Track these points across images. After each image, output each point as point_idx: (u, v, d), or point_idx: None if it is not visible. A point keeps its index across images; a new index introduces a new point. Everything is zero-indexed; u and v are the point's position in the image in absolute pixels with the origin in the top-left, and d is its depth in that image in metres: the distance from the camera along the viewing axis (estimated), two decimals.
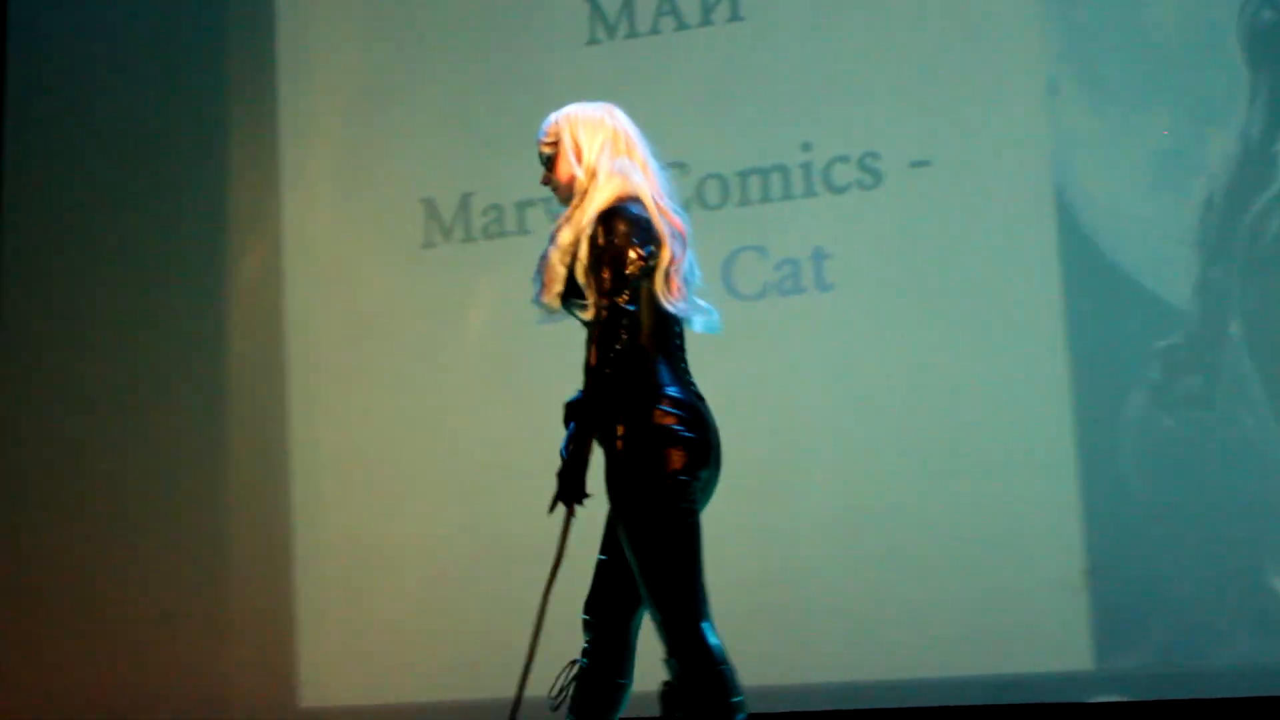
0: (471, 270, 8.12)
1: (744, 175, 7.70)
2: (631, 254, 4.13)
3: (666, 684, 4.26)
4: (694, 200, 7.72)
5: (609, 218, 4.22)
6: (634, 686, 4.57)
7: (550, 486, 7.27)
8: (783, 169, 7.62)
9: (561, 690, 4.32)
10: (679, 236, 4.42)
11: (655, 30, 7.96)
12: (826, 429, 7.43)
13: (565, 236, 4.30)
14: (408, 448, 8.08)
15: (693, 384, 4.43)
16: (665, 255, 4.29)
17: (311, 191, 8.51)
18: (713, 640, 4.24)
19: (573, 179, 4.41)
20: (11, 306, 9.16)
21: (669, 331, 4.38)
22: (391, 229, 8.28)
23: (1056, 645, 6.99)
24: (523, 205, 8.00)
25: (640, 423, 4.18)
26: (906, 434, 7.30)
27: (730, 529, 7.44)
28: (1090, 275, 7.12)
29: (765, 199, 7.66)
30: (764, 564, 7.38)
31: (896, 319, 7.38)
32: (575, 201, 4.38)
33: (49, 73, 9.34)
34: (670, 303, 4.27)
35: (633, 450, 4.19)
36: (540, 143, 4.54)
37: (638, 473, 4.18)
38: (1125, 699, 6.92)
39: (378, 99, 8.45)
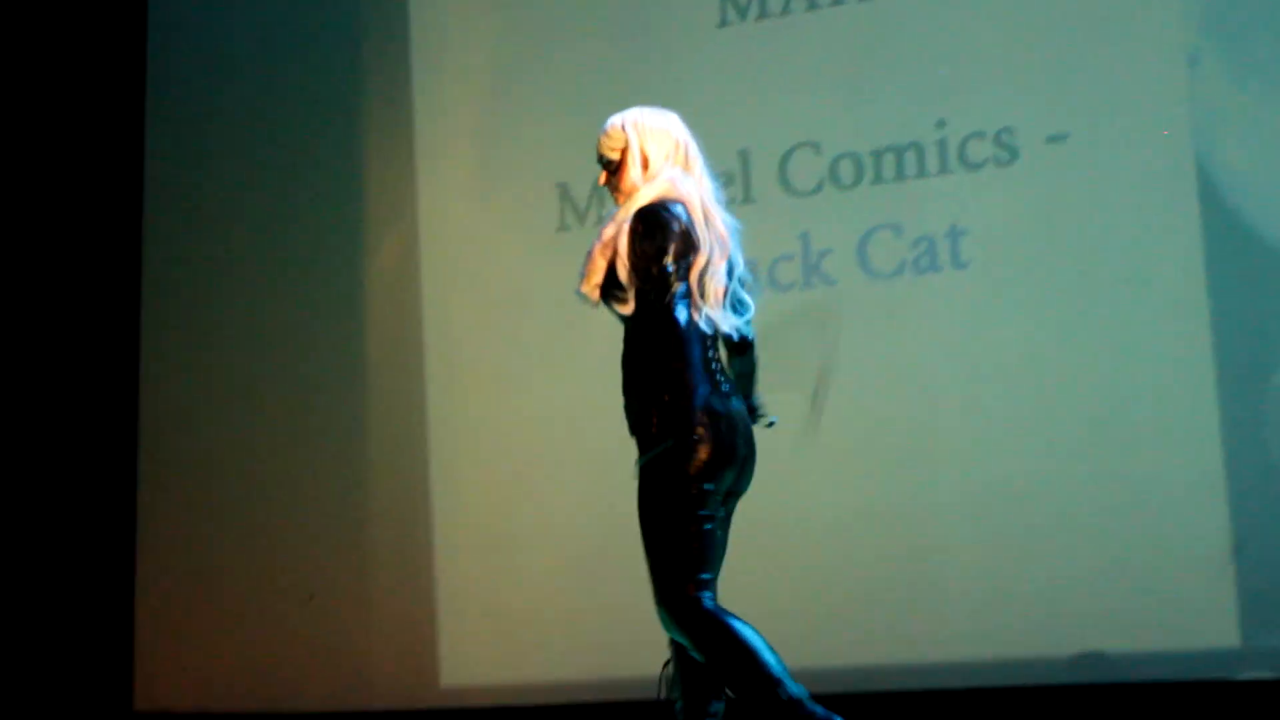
0: None
1: (878, 154, 7.66)
2: (669, 252, 4.27)
3: (667, 663, 4.33)
4: (828, 180, 7.71)
5: (648, 217, 4.28)
6: None
7: None
8: (917, 146, 7.58)
9: (667, 687, 4.39)
10: (720, 244, 4.46)
11: (787, 10, 7.94)
12: (963, 406, 7.38)
13: (608, 231, 4.43)
14: (544, 430, 8.14)
15: (723, 384, 4.42)
16: (700, 260, 4.37)
17: (447, 178, 8.59)
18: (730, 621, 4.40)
19: (634, 186, 4.51)
20: (155, 299, 9.34)
21: (699, 333, 4.40)
22: (526, 213, 8.33)
23: (1202, 621, 6.90)
24: None
25: (666, 422, 4.19)
26: (1046, 411, 7.23)
27: (867, 506, 7.46)
28: (1233, 248, 7.01)
29: (900, 177, 7.62)
30: (901, 541, 7.36)
31: (1034, 295, 7.31)
32: (626, 202, 4.45)
33: (187, 68, 9.50)
34: (698, 307, 4.28)
35: (658, 443, 4.21)
36: (604, 145, 4.63)
37: (659, 468, 4.18)
38: (1274, 676, 6.82)
39: (511, 85, 8.51)
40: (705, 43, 8.08)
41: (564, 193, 8.26)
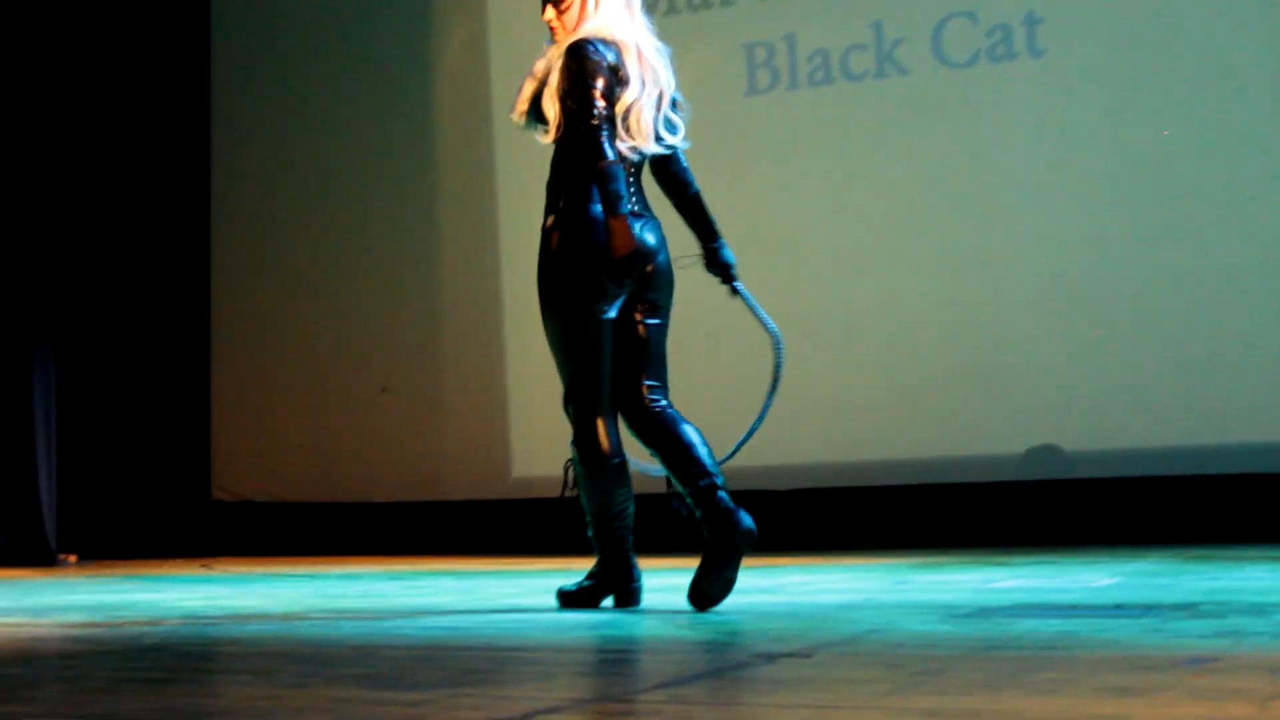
0: (676, 44, 8.03)
1: None
2: (595, 87, 4.29)
3: (568, 461, 4.43)
4: None
5: (578, 53, 4.32)
6: None
7: (758, 260, 7.27)
8: None
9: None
10: (652, 78, 4.54)
11: None
12: (1039, 198, 7.28)
13: (539, 65, 4.44)
14: None
15: (639, 211, 4.39)
16: (628, 96, 4.39)
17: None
18: (607, 433, 4.39)
19: (574, 25, 4.48)
20: (224, 99, 9.33)
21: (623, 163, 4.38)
22: None
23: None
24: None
25: (570, 231, 4.24)
26: (1124, 202, 7.12)
27: (940, 300, 7.42)
28: None
29: None
30: (973, 337, 7.32)
31: (1112, 84, 7.16)
32: (562, 39, 4.45)
33: None
34: (625, 140, 4.27)
35: (561, 254, 4.30)
36: None
37: (559, 273, 4.32)
38: None
39: None
40: None
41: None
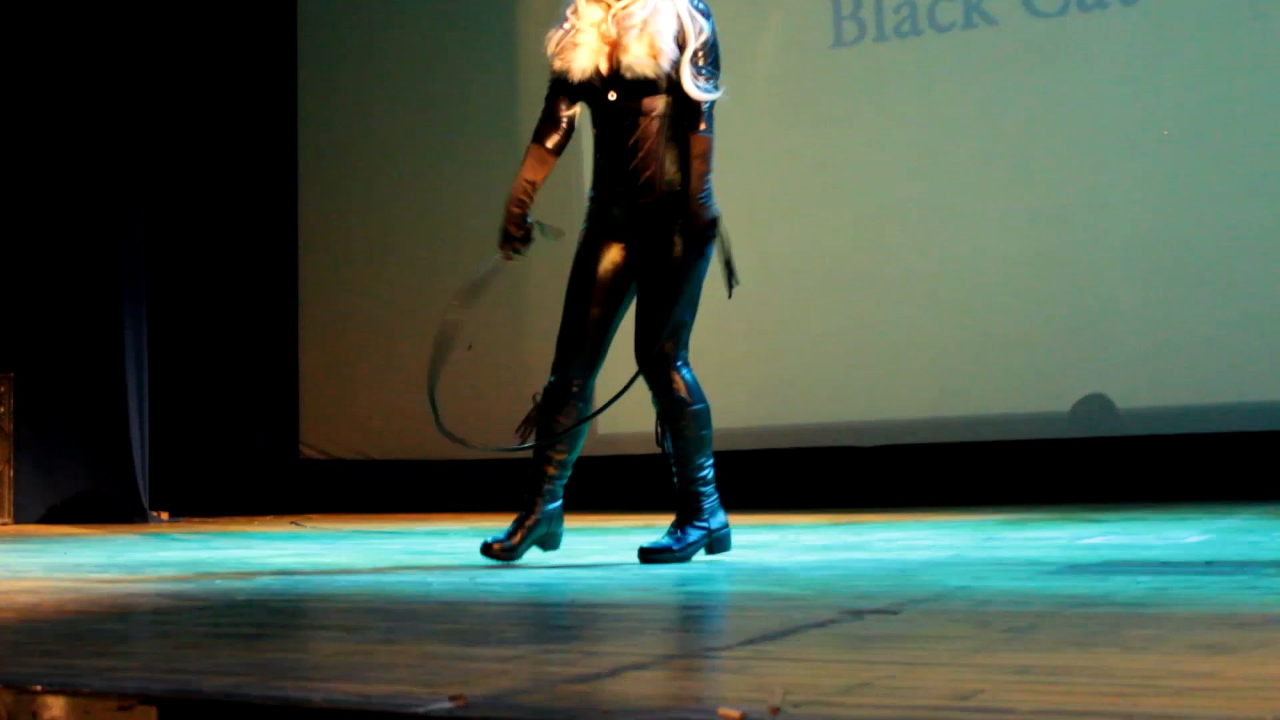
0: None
1: None
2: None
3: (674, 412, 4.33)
4: None
5: (708, 15, 4.30)
6: None
7: (847, 213, 7.24)
8: None
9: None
10: None
11: None
12: (1131, 150, 7.20)
13: (589, 18, 4.29)
14: None
15: None
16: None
17: None
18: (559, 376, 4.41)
19: None
20: (311, 61, 9.38)
21: None
22: None
23: None
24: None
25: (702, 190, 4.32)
26: (1214, 154, 7.03)
27: (1024, 250, 7.35)
28: None
29: None
30: (1059, 285, 7.26)
31: (1206, 33, 7.06)
32: None
33: None
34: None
35: (701, 213, 4.32)
36: None
37: (701, 231, 4.33)
38: None
39: None
40: None
41: None
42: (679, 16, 4.22)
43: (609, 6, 4.26)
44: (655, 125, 4.24)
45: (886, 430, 7.60)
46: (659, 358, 4.27)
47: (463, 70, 8.89)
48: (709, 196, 4.27)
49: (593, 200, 4.36)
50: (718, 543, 4.26)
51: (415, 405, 8.95)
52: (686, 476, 4.31)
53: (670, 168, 4.27)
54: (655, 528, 4.41)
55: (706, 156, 4.29)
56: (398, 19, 9.16)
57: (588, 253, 4.35)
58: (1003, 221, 7.40)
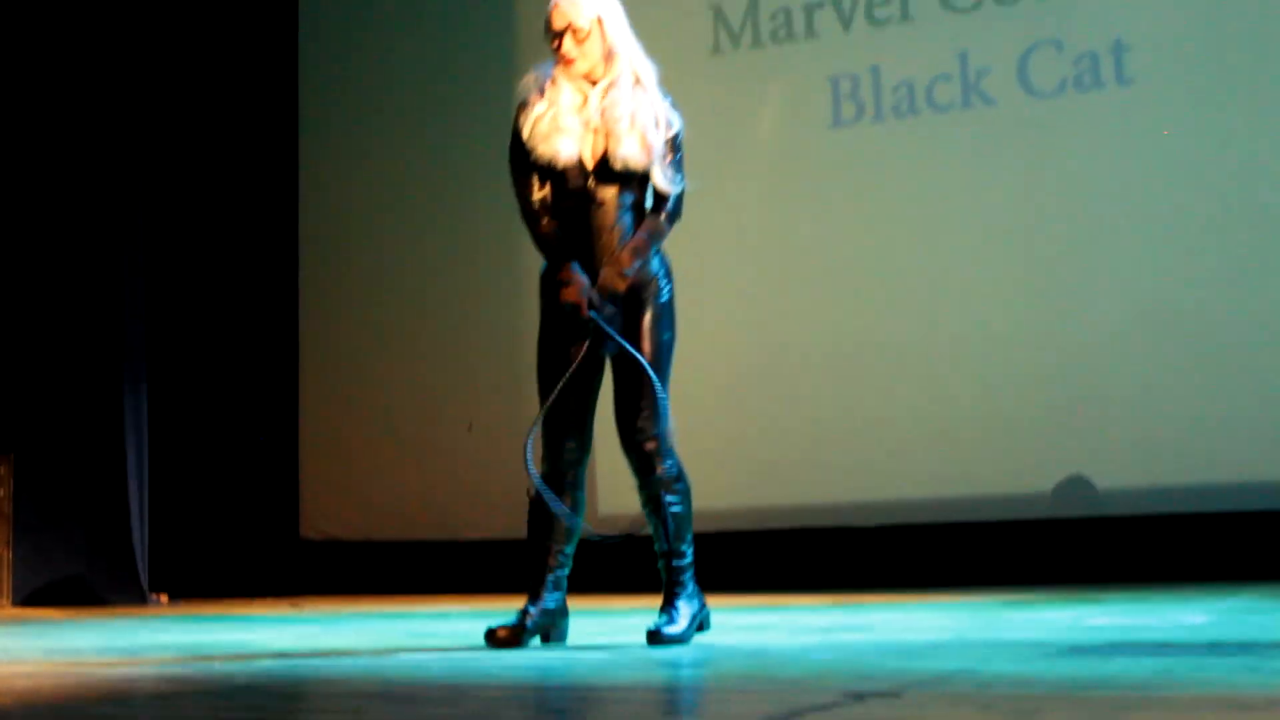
0: (761, 76, 8.06)
1: None
2: None
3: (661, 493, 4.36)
4: None
5: (677, 110, 4.39)
6: None
7: (846, 291, 7.26)
8: None
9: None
10: None
11: None
12: (1129, 228, 7.22)
13: (646, 108, 4.33)
14: (698, 258, 8.09)
15: None
16: None
17: None
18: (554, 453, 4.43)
19: (613, 53, 4.39)
20: (311, 121, 9.42)
21: None
22: (679, 35, 8.22)
23: None
24: (811, 7, 7.89)
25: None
26: (1215, 235, 7.05)
27: (1028, 327, 7.35)
28: None
29: None
30: (1058, 364, 7.26)
31: (1202, 113, 7.09)
32: (617, 73, 4.36)
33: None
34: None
35: (670, 284, 4.44)
36: (570, 10, 4.36)
37: (671, 304, 4.44)
38: None
39: None
40: None
41: (718, 14, 8.13)
42: (656, 111, 4.31)
43: (585, 92, 4.33)
44: (630, 215, 4.30)
45: (887, 510, 7.57)
46: (649, 439, 4.30)
47: (463, 137, 8.90)
48: (633, 272, 4.26)
49: (553, 276, 4.36)
50: (704, 622, 4.30)
51: (416, 485, 8.98)
52: (677, 554, 4.30)
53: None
54: (653, 609, 4.38)
55: (653, 237, 4.32)
56: (400, 73, 9.20)
57: (553, 336, 4.34)
58: (1002, 300, 7.41)
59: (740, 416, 7.94)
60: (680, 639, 4.13)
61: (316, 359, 9.32)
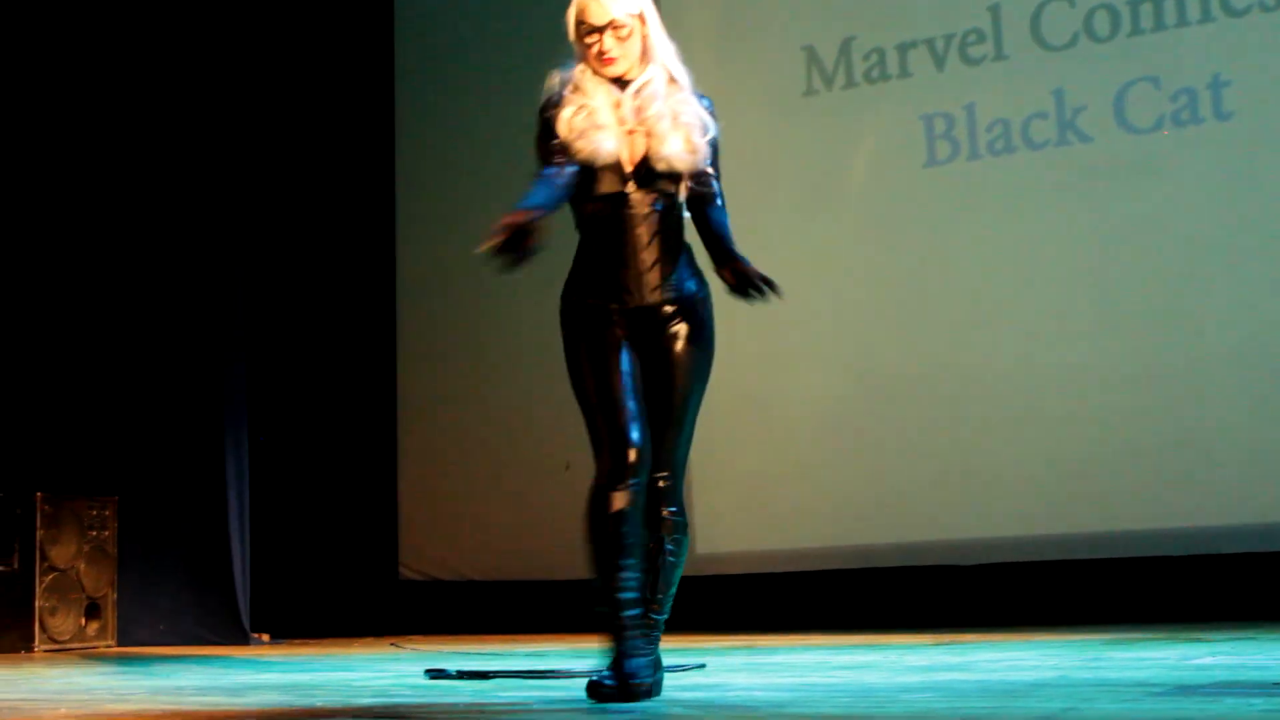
0: (855, 117, 8.05)
1: (1135, 3, 7.40)
2: None
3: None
4: (1083, 33, 7.48)
5: (715, 116, 4.16)
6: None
7: (943, 330, 7.21)
8: None
9: None
10: None
11: None
12: (1227, 264, 7.14)
13: (688, 108, 4.11)
14: (792, 297, 8.07)
15: None
16: None
17: (691, 45, 8.45)
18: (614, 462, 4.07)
19: (651, 56, 4.16)
20: (409, 180, 9.52)
21: None
22: (771, 77, 8.24)
23: None
24: (904, 47, 7.89)
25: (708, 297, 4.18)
26: None
27: (1125, 365, 7.28)
28: None
29: (1159, 26, 7.36)
30: (1159, 400, 7.18)
31: None
32: (660, 78, 4.14)
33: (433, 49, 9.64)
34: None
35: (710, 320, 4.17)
36: (612, 4, 4.12)
37: (710, 339, 4.17)
38: None
39: None
40: None
41: (811, 56, 8.14)
42: (698, 112, 4.10)
43: (615, 96, 4.10)
44: (665, 221, 4.07)
45: (987, 548, 7.52)
46: (673, 474, 4.10)
47: None
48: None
49: (580, 297, 4.19)
50: (657, 685, 3.88)
51: (513, 526, 9.00)
52: (657, 607, 4.04)
53: (685, 268, 4.11)
54: (755, 648, 4.37)
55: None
56: (494, 135, 9.27)
57: (601, 352, 4.12)
58: (1103, 338, 7.35)
59: (836, 455, 7.91)
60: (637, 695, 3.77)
61: (415, 402, 9.38)
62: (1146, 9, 7.37)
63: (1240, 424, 7.02)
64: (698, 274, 4.16)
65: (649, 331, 4.07)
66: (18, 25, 8.45)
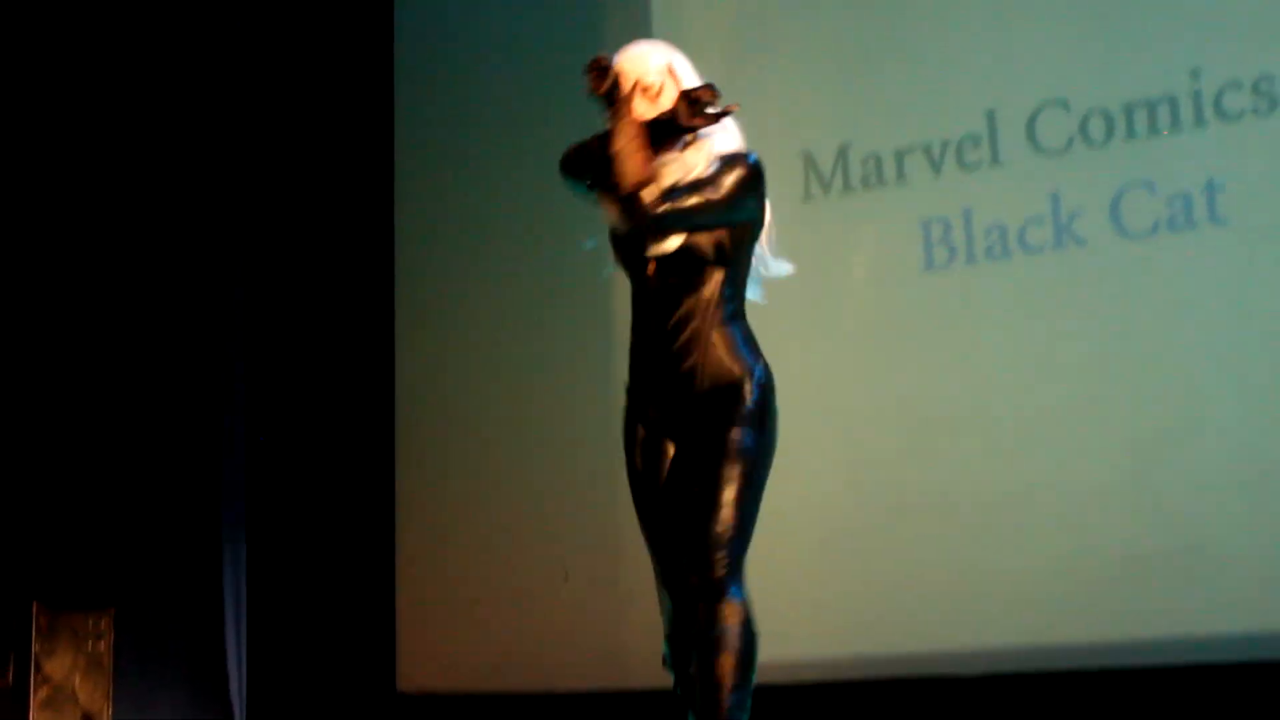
0: (853, 222, 8.08)
1: (1130, 108, 7.44)
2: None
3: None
4: (1078, 138, 7.52)
5: (757, 166, 4.16)
6: None
7: (940, 436, 7.17)
8: (1170, 99, 7.34)
9: None
10: None
11: None
12: (1226, 372, 7.12)
13: (704, 165, 4.07)
14: (792, 404, 8.05)
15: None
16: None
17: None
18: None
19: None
20: (408, 277, 9.52)
21: None
22: (770, 183, 8.25)
23: None
24: (901, 153, 7.92)
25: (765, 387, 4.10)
26: None
27: (1129, 471, 7.25)
28: None
29: (1153, 132, 7.39)
30: (1160, 514, 7.14)
31: None
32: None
33: (434, 44, 9.67)
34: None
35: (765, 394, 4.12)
36: (636, 62, 4.13)
37: (760, 416, 4.13)
38: None
39: (752, 53, 8.45)
40: (949, 1, 7.94)
41: (808, 161, 8.18)
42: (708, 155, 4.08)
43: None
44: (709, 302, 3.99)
45: (992, 657, 7.46)
46: (709, 581, 3.90)
47: (558, 295, 8.96)
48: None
49: (629, 392, 4.15)
50: None
51: (512, 636, 8.92)
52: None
53: (725, 355, 3.98)
54: None
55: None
56: (497, 217, 9.29)
57: (646, 460, 4.05)
58: (1098, 445, 7.31)
59: (832, 566, 7.86)
60: None
61: (413, 511, 9.33)
62: (1141, 114, 7.41)
63: (1243, 536, 6.96)
64: (755, 352, 4.05)
65: (686, 428, 4.00)
66: (15, 24, 8.39)
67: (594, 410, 8.72)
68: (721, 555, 3.95)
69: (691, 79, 4.06)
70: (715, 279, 3.93)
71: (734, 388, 4.02)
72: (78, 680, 7.90)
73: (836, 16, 8.24)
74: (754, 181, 3.90)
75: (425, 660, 9.16)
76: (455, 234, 9.46)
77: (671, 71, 4.09)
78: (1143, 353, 7.29)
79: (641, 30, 8.72)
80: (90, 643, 8.01)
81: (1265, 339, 7.04)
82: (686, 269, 3.90)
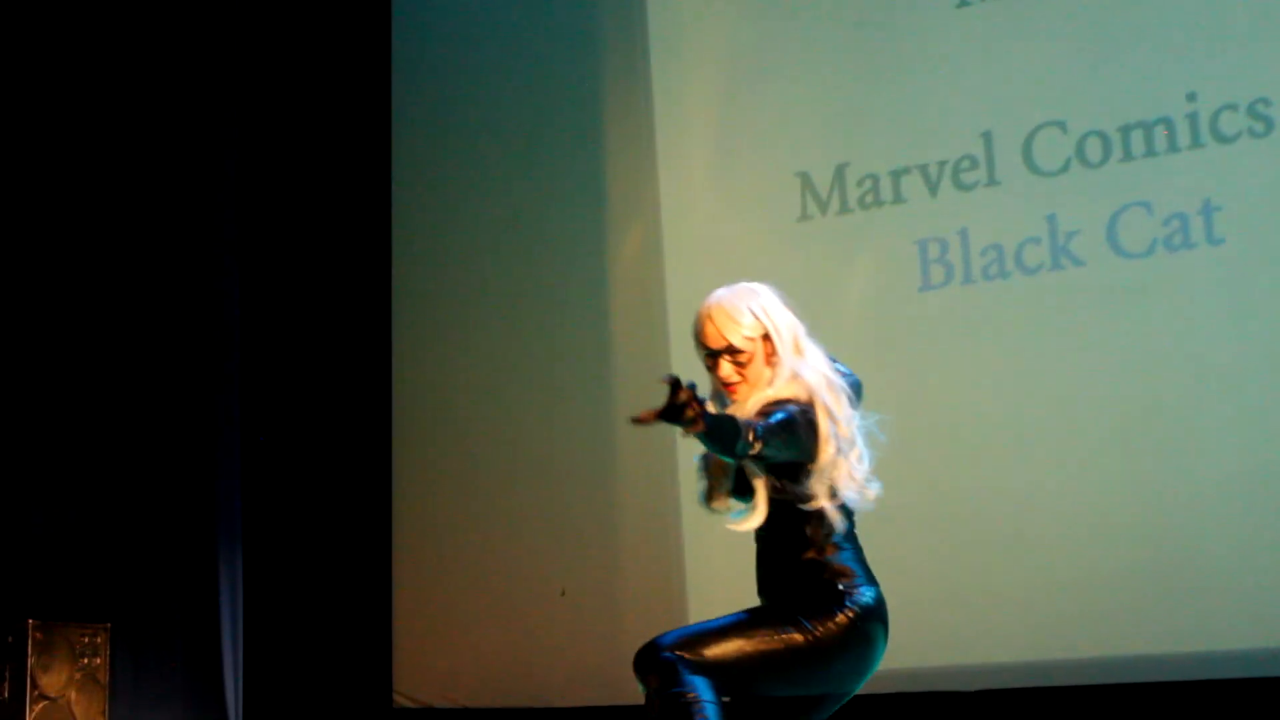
0: (849, 242, 8.09)
1: (1126, 130, 7.46)
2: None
3: None
4: (1075, 159, 7.53)
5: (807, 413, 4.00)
6: None
7: (937, 450, 7.18)
8: (1167, 121, 7.36)
9: None
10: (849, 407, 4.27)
11: None
12: (1223, 390, 7.14)
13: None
14: None
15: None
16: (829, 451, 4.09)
17: (687, 169, 8.58)
18: None
19: (761, 380, 4.05)
20: (405, 296, 9.52)
21: None
22: (768, 204, 8.29)
23: None
24: (898, 173, 7.94)
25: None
26: None
27: (1126, 489, 7.26)
28: None
29: (1150, 153, 7.41)
30: (1158, 529, 7.15)
31: None
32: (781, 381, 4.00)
33: (431, 65, 9.67)
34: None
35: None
36: (730, 330, 4.06)
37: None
38: None
39: (749, 75, 8.48)
40: (945, 23, 7.95)
41: (805, 182, 8.19)
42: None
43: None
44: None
45: (984, 674, 7.46)
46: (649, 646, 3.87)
47: (551, 321, 8.97)
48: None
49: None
50: None
51: (509, 652, 8.92)
52: None
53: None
54: None
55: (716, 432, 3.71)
56: (486, 283, 9.29)
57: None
58: (1096, 463, 7.33)
59: None
60: None
61: (409, 526, 9.33)
62: (1137, 135, 7.43)
63: (1240, 550, 6.98)
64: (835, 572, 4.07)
65: None
66: (14, 24, 8.37)
67: (591, 427, 8.74)
68: (688, 641, 4.02)
69: (788, 340, 4.12)
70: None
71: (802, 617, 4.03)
72: (74, 695, 7.88)
73: (834, 38, 8.26)
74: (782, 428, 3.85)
75: (421, 675, 9.15)
76: (453, 242, 9.46)
77: (767, 338, 4.14)
78: (1140, 372, 7.31)
79: (639, 47, 8.74)
80: (86, 657, 8.01)
81: (1262, 358, 7.06)
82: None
